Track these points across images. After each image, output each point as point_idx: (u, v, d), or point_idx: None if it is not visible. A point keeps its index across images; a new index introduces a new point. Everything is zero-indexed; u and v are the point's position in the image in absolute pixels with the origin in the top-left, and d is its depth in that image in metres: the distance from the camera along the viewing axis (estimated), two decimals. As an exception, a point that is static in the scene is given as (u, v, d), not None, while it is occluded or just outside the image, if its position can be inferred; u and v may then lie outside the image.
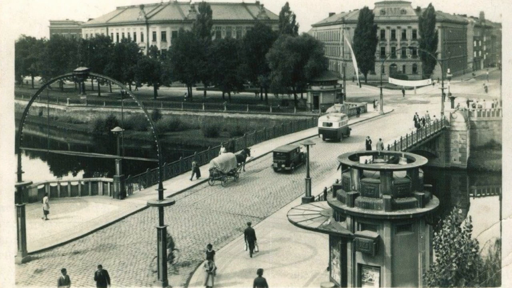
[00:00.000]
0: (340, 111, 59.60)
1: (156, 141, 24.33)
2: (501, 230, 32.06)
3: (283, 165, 42.50)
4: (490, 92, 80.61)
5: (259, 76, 74.55)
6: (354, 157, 24.09)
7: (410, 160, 23.89)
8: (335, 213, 23.13)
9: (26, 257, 27.86)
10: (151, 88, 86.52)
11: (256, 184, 41.00)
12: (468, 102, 63.65)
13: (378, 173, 22.30)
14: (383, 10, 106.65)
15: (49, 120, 78.11)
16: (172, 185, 39.39)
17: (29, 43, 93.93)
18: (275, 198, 37.68)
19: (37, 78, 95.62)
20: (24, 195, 29.45)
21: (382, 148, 42.94)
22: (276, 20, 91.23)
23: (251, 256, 28.19)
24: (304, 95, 77.72)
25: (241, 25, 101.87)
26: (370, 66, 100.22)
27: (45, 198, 34.37)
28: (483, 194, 53.30)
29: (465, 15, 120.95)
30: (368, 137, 47.67)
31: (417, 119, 56.21)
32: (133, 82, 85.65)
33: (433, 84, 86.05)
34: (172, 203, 25.39)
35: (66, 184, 38.71)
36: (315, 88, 73.10)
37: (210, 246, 26.44)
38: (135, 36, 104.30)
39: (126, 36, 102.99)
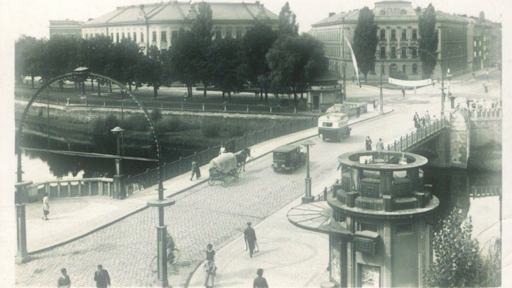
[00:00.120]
0: (340, 111, 59.62)
1: (156, 141, 24.33)
2: (501, 230, 32.08)
3: (283, 165, 42.51)
4: (490, 92, 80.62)
5: (259, 76, 74.54)
6: (354, 157, 24.09)
7: (410, 160, 23.89)
8: (335, 213, 23.14)
9: (26, 257, 27.87)
10: (151, 88, 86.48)
11: (256, 184, 41.02)
12: (468, 102, 63.66)
13: (378, 173, 22.30)
14: (383, 10, 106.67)
15: (49, 120, 78.12)
16: (172, 185, 39.40)
17: (29, 43, 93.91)
18: (275, 198, 37.69)
19: (37, 78, 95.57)
20: (24, 195, 29.45)
21: (382, 148, 42.95)
22: (276, 20, 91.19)
23: (251, 256, 28.19)
24: (304, 95, 77.72)
25: (241, 25, 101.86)
26: (370, 66, 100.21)
27: (45, 198, 34.37)
28: (483, 194, 53.32)
29: (465, 15, 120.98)
30: (368, 137, 47.68)
31: (417, 119, 56.23)
32: (133, 82, 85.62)
33: (433, 84, 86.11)
34: (172, 203, 25.40)
35: (66, 184, 38.72)
36: (315, 88, 73.09)
37: (210, 246, 26.45)
38: (135, 36, 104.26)
39: (126, 36, 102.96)
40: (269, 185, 40.54)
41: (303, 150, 42.03)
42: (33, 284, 25.42)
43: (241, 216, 34.14)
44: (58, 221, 33.29)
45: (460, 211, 21.44)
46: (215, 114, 73.31)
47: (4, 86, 28.13)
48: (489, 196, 52.26)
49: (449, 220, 21.18)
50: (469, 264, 22.10)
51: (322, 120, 53.53)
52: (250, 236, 28.37)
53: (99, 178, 39.94)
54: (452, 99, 60.63)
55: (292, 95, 78.53)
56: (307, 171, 34.87)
